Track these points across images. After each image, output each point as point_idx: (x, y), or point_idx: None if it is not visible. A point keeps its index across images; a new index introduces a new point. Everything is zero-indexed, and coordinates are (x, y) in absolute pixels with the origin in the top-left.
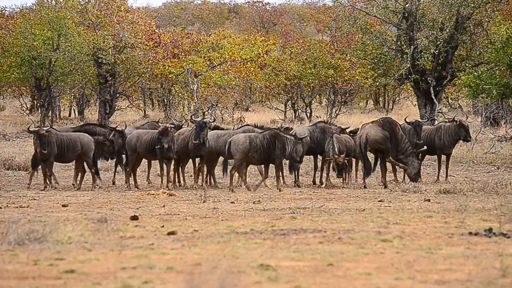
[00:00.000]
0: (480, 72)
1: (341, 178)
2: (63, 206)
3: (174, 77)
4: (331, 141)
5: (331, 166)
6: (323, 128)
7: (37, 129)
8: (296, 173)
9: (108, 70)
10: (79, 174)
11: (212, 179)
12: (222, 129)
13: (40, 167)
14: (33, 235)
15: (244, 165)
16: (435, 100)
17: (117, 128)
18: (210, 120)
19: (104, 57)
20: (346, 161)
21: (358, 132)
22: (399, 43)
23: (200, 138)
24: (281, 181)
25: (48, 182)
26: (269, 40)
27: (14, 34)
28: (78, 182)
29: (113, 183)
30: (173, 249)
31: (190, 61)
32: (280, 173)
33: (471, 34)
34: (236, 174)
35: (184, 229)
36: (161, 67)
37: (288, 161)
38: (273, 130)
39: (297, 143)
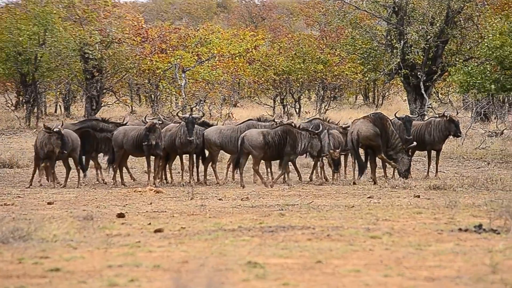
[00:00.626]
0: (470, 68)
1: (336, 174)
2: (49, 203)
3: (161, 72)
4: (326, 137)
5: (326, 161)
6: (319, 125)
7: (58, 129)
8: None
9: (95, 66)
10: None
11: (201, 174)
12: (209, 124)
13: (36, 163)
14: (18, 233)
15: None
16: (425, 95)
17: (123, 123)
18: (198, 116)
19: (90, 52)
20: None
21: (349, 128)
22: (389, 37)
23: (193, 135)
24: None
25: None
26: (258, 35)
27: None
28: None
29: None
30: (160, 246)
31: (178, 56)
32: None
33: (462, 28)
34: (230, 170)
35: (171, 227)
36: (148, 63)
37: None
38: (285, 126)
39: (312, 138)
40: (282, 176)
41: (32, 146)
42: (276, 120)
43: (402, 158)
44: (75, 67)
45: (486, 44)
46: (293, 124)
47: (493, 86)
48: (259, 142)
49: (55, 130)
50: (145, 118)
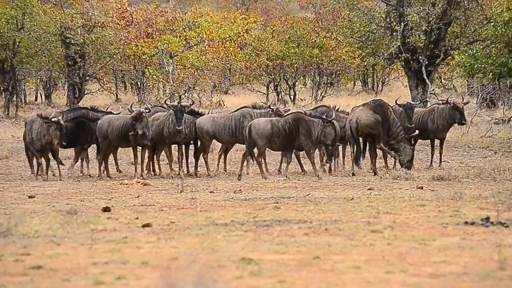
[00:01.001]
0: (475, 51)
1: (330, 164)
2: (30, 197)
3: (148, 58)
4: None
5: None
6: (324, 113)
7: (57, 119)
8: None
9: (77, 51)
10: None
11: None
12: (198, 113)
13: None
14: None
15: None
16: (427, 80)
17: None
18: (187, 104)
19: (72, 37)
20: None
21: (348, 116)
22: (388, 20)
23: (182, 124)
24: (315, 168)
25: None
26: (250, 18)
27: None
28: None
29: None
30: (148, 242)
31: (165, 41)
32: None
33: (465, 9)
34: (214, 160)
35: (160, 221)
36: (133, 48)
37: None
38: (296, 114)
39: (325, 126)
40: (286, 167)
41: (12, 136)
42: (272, 107)
43: (404, 148)
44: (56, 52)
45: (492, 23)
46: (303, 112)
47: (490, 74)
48: (266, 131)
49: (54, 120)
50: (131, 106)
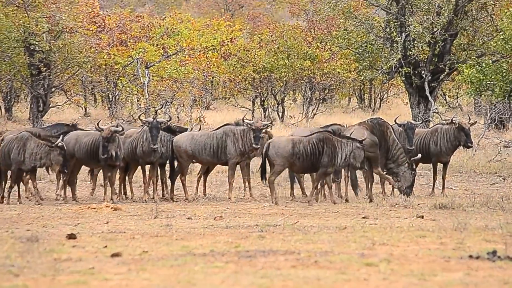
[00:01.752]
0: (483, 65)
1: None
2: None
3: (121, 68)
4: None
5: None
6: (337, 132)
7: (62, 144)
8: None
9: (42, 59)
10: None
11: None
12: (176, 130)
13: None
14: None
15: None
16: (430, 97)
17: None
18: (164, 120)
19: (37, 43)
20: None
21: None
22: (388, 29)
23: (157, 142)
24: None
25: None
26: (235, 26)
27: None
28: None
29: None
30: (117, 274)
31: (140, 50)
32: (321, 184)
33: (474, 19)
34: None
35: (131, 250)
36: (105, 56)
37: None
38: (322, 133)
39: (357, 147)
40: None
41: None
42: (246, 121)
43: (404, 173)
44: (19, 60)
45: (502, 37)
46: (331, 130)
47: (498, 90)
48: (286, 151)
49: (59, 145)
50: (98, 124)
